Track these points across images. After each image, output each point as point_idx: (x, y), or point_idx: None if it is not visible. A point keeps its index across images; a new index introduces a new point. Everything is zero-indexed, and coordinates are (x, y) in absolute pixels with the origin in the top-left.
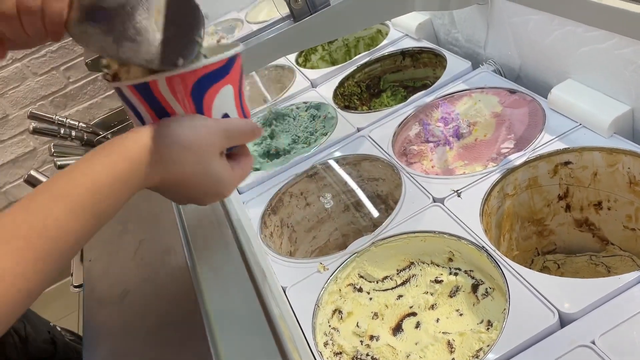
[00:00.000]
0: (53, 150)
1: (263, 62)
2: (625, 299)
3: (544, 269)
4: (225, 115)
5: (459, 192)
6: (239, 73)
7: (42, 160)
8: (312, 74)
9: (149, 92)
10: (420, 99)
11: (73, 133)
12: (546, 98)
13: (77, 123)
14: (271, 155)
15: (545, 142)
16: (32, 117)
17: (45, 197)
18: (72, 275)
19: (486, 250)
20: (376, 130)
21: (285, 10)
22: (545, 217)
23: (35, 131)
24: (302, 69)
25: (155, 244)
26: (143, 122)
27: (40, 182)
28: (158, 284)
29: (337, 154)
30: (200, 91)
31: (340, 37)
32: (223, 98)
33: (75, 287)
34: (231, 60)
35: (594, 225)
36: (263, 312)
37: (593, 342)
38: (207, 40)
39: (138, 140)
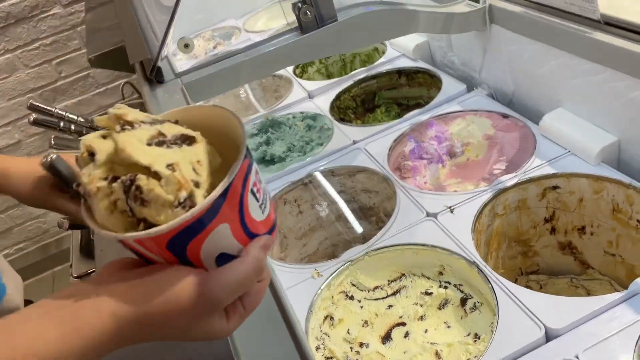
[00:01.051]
0: (53, 143)
1: (268, 72)
2: (607, 318)
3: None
4: (222, 256)
5: (452, 208)
6: (238, 201)
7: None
8: (310, 85)
9: (120, 241)
10: (416, 116)
11: (72, 127)
12: (537, 124)
13: (76, 117)
14: (266, 161)
15: (536, 166)
16: (32, 108)
17: None
18: (71, 266)
19: (477, 266)
20: (372, 144)
21: (290, 20)
22: (531, 238)
23: (36, 122)
24: (300, 79)
25: None
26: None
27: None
28: None
29: (333, 164)
30: (179, 245)
31: None
32: (215, 240)
33: (75, 278)
34: (218, 202)
35: (577, 249)
36: (278, 308)
37: (577, 357)
38: (203, 46)
39: (100, 312)
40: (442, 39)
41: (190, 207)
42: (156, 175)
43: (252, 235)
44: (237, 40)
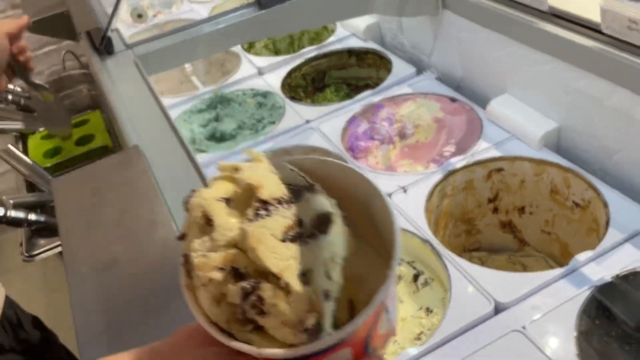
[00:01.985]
0: None
1: (225, 46)
2: (550, 292)
3: None
4: None
5: (404, 188)
6: (369, 326)
7: None
8: (260, 61)
9: None
10: (367, 97)
11: (10, 97)
12: (484, 108)
13: (12, 87)
14: (216, 138)
15: (482, 149)
16: None
17: None
18: (21, 244)
19: (430, 244)
20: (325, 124)
21: None
22: (475, 217)
23: None
24: (248, 55)
25: (138, 215)
26: None
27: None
28: (147, 253)
29: (287, 143)
30: None
31: None
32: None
33: (28, 257)
34: (347, 335)
35: (516, 228)
36: None
37: (524, 328)
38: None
39: None
40: (393, 20)
41: (313, 333)
42: (285, 286)
43: (369, 350)
44: (178, 10)
